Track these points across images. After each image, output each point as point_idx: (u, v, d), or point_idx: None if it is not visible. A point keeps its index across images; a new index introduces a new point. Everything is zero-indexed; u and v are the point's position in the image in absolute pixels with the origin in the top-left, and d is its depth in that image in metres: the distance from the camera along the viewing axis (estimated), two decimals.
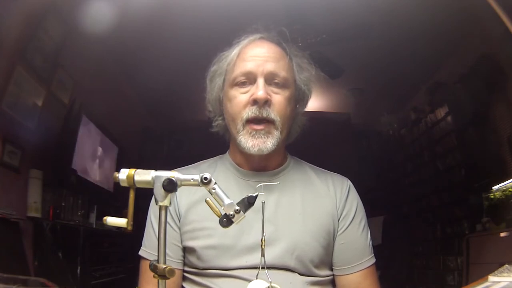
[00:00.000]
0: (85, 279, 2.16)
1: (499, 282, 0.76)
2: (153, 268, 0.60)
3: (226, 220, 0.65)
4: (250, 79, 0.91)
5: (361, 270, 0.94)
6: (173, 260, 0.92)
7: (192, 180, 0.65)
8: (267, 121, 0.89)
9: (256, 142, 0.89)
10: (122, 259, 2.60)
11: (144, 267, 0.94)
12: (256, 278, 0.71)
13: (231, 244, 0.88)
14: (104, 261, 2.52)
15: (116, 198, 2.84)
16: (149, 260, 0.87)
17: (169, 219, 0.93)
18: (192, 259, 0.92)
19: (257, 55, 0.92)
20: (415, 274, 3.56)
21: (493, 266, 0.84)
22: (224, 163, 1.02)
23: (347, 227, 0.95)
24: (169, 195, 0.63)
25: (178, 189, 0.64)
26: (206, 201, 0.67)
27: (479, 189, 2.54)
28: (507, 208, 2.25)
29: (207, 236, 0.89)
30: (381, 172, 4.14)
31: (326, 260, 0.94)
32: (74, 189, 2.43)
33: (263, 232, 0.70)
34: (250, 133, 0.89)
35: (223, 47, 0.99)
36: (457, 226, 2.98)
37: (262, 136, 0.89)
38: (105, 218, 0.67)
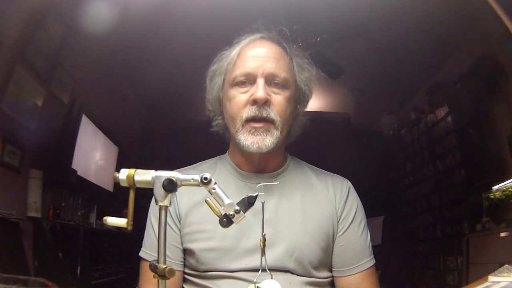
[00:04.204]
0: (85, 279, 2.16)
1: (499, 282, 0.76)
2: (153, 268, 0.60)
3: (226, 220, 0.65)
4: (250, 79, 0.91)
5: (360, 272, 0.93)
6: (173, 261, 0.92)
7: (192, 180, 0.64)
8: (266, 120, 0.89)
9: (255, 140, 0.88)
10: (122, 259, 2.60)
11: (144, 268, 0.94)
12: (272, 278, 0.71)
13: (231, 246, 0.88)
14: (104, 261, 2.52)
15: (116, 198, 2.84)
16: (149, 261, 0.86)
17: (169, 220, 0.93)
18: (192, 261, 0.91)
19: (257, 55, 0.92)
20: (415, 274, 3.56)
21: (493, 266, 0.84)
22: (224, 164, 1.01)
23: (346, 229, 0.95)
24: (169, 195, 0.63)
25: (179, 191, 0.64)
26: (206, 201, 0.67)
27: (479, 189, 2.55)
28: (507, 208, 2.25)
29: (207, 238, 0.89)
30: (381, 172, 4.14)
31: (326, 262, 0.93)
32: (74, 189, 2.43)
33: (262, 231, 0.70)
34: (250, 130, 0.89)
35: (223, 47, 0.99)
36: (457, 226, 2.99)
37: (261, 134, 0.88)
38: (105, 218, 0.67)
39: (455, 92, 2.96)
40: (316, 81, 1.00)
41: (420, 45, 2.54)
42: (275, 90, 0.91)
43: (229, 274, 0.87)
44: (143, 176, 0.64)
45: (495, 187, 2.37)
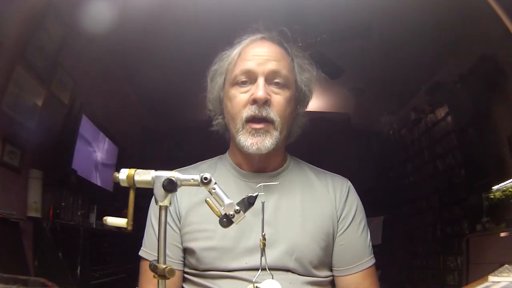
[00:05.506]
0: (85, 279, 2.16)
1: (499, 282, 0.76)
2: (153, 268, 0.60)
3: (226, 220, 0.65)
4: (250, 78, 0.91)
5: (360, 271, 0.93)
6: (173, 261, 0.92)
7: (192, 180, 0.64)
8: (266, 121, 0.89)
9: (255, 141, 0.88)
10: (122, 259, 2.60)
11: (144, 268, 0.94)
12: (273, 278, 0.71)
13: (231, 246, 0.88)
14: (104, 261, 2.52)
15: (116, 198, 2.84)
16: (149, 260, 0.87)
17: (169, 220, 0.93)
18: (192, 260, 0.92)
19: (258, 55, 0.92)
20: (415, 274, 3.56)
21: (493, 266, 0.84)
22: (224, 164, 1.01)
23: (346, 228, 0.95)
24: (169, 195, 0.63)
25: (179, 190, 0.64)
26: (206, 201, 0.67)
27: (479, 189, 2.55)
28: (507, 208, 2.26)
29: (207, 238, 0.89)
30: (381, 172, 4.14)
31: (326, 261, 0.94)
32: (74, 189, 2.43)
33: (262, 231, 0.70)
34: (250, 132, 0.89)
35: (223, 47, 0.99)
36: (457, 226, 2.99)
37: (261, 135, 0.89)
38: (105, 218, 0.67)
39: (455, 92, 2.96)
40: (316, 81, 1.00)
41: (420, 45, 2.54)
42: (275, 90, 0.91)
43: (229, 273, 0.87)
44: (143, 176, 0.64)
45: (495, 187, 2.38)
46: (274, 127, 0.90)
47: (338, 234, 0.95)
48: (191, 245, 0.91)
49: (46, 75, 2.13)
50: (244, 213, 0.65)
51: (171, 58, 2.63)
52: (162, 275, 0.59)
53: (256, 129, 0.89)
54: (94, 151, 2.84)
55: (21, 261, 1.77)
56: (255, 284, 0.69)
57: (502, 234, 2.13)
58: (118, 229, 0.73)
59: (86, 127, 2.62)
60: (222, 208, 0.65)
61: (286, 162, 1.01)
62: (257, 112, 0.88)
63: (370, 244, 0.97)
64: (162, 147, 4.04)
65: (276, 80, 0.91)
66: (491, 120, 2.53)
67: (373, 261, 0.96)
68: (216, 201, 0.66)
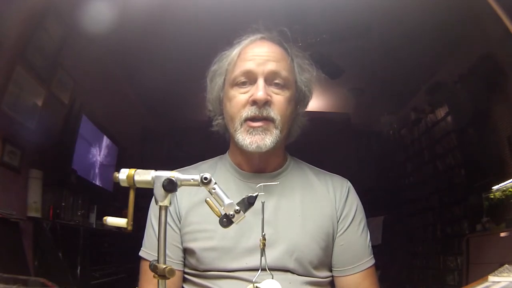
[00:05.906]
0: (85, 279, 2.16)
1: (499, 282, 0.76)
2: (153, 268, 0.60)
3: (226, 220, 0.65)
4: (250, 79, 0.91)
5: (360, 271, 0.93)
6: (173, 261, 0.92)
7: (192, 180, 0.64)
8: (266, 119, 0.89)
9: (254, 139, 0.88)
10: (122, 259, 2.60)
11: (144, 268, 0.94)
12: (272, 278, 0.71)
13: (231, 246, 0.88)
14: (104, 261, 2.52)
15: (116, 198, 2.84)
16: (149, 260, 0.87)
17: (169, 220, 0.93)
18: (192, 260, 0.92)
19: (258, 55, 0.92)
20: (415, 274, 3.56)
21: (493, 266, 0.84)
22: (224, 164, 1.01)
23: (346, 229, 0.95)
24: (169, 195, 0.63)
25: (179, 191, 0.64)
26: (206, 201, 0.67)
27: (479, 189, 2.55)
28: (507, 208, 2.25)
29: (207, 238, 0.89)
30: (381, 172, 4.14)
31: (326, 261, 0.94)
32: (74, 189, 2.43)
33: (262, 231, 0.70)
34: (248, 130, 0.89)
35: (223, 47, 0.99)
36: (457, 226, 2.99)
37: (260, 133, 0.88)
38: (105, 218, 0.67)
39: (455, 92, 2.96)
40: (316, 81, 1.00)
41: (420, 45, 2.54)
42: (275, 90, 0.91)
43: (229, 274, 0.87)
44: (143, 176, 0.64)
45: (495, 187, 2.37)
46: (275, 125, 0.89)
47: (338, 234, 0.95)
48: (191, 245, 0.91)
49: (46, 75, 2.13)
50: (244, 213, 0.65)
51: (171, 58, 2.63)
52: (162, 275, 0.59)
53: (254, 127, 0.88)
54: (94, 151, 2.84)
55: (21, 261, 1.77)
56: (255, 284, 0.69)
57: (502, 234, 2.13)
58: (118, 229, 0.74)
59: (86, 127, 2.62)
60: (222, 208, 0.65)
61: (286, 162, 1.01)
62: (257, 113, 0.88)
63: (370, 245, 0.97)
64: (162, 147, 4.04)
65: (276, 81, 0.91)
66: (491, 120, 2.52)
67: (373, 261, 0.96)
68: (216, 201, 0.66)
